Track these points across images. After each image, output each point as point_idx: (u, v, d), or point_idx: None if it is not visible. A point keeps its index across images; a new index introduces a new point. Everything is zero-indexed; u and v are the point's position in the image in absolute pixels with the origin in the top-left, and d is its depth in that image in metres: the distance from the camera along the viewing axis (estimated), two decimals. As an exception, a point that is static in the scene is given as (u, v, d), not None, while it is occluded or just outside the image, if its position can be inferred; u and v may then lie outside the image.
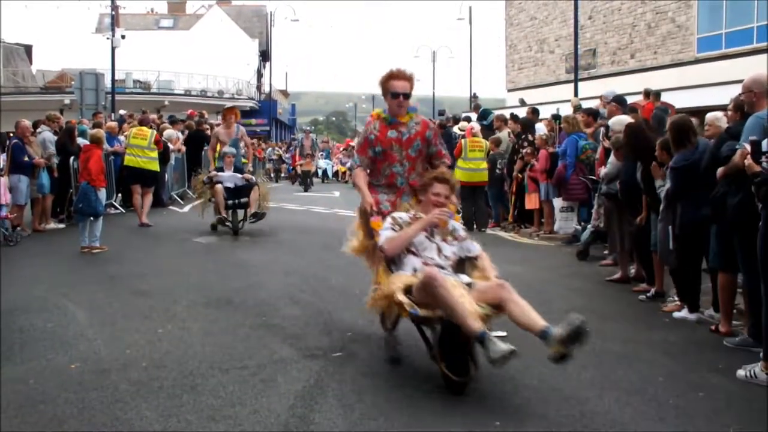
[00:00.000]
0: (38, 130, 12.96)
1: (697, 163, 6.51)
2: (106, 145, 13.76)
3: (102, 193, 10.72)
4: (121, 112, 20.30)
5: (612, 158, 8.83)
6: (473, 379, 4.72)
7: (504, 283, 4.89)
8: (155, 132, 14.50)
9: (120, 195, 15.76)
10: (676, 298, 7.22)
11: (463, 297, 4.60)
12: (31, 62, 51.56)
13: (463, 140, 13.66)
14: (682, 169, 6.65)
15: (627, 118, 8.91)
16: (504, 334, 6.13)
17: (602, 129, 10.39)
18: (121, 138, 15.09)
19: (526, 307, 4.69)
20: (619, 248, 8.69)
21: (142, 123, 15.11)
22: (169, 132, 17.30)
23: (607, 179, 8.93)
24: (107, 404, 4.50)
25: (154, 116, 20.62)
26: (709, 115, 7.61)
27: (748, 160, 4.93)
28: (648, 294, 7.63)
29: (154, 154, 13.94)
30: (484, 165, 13.42)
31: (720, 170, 5.74)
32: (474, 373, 4.72)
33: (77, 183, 11.28)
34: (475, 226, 13.38)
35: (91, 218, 10.42)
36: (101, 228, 10.62)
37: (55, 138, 13.09)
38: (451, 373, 4.62)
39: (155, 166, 14.01)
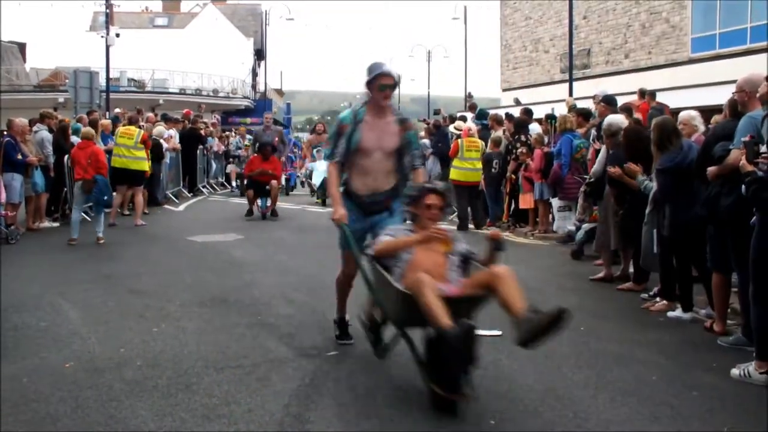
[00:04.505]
0: (34, 129, 12.92)
1: (684, 164, 6.53)
2: (100, 143, 13.78)
3: None
4: (117, 110, 20.23)
5: (601, 156, 8.85)
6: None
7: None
8: (143, 131, 14.27)
9: (115, 193, 15.71)
10: (658, 298, 7.27)
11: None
12: (24, 60, 51.35)
13: (459, 140, 13.68)
14: (669, 170, 6.66)
15: (621, 117, 8.94)
16: (499, 333, 6.15)
17: (593, 131, 10.41)
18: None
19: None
20: (610, 245, 8.67)
21: (131, 122, 14.95)
22: (159, 129, 17.20)
23: (595, 177, 8.97)
24: (101, 403, 4.50)
25: (150, 114, 20.55)
26: (683, 114, 7.66)
27: (743, 160, 4.95)
28: (650, 293, 7.64)
29: (141, 154, 13.76)
30: (480, 165, 13.46)
31: (712, 170, 5.75)
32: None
33: (84, 180, 11.19)
34: (471, 226, 13.44)
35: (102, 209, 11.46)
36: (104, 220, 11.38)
37: (51, 137, 13.04)
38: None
39: (142, 166, 13.80)
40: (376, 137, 5.27)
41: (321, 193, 17.98)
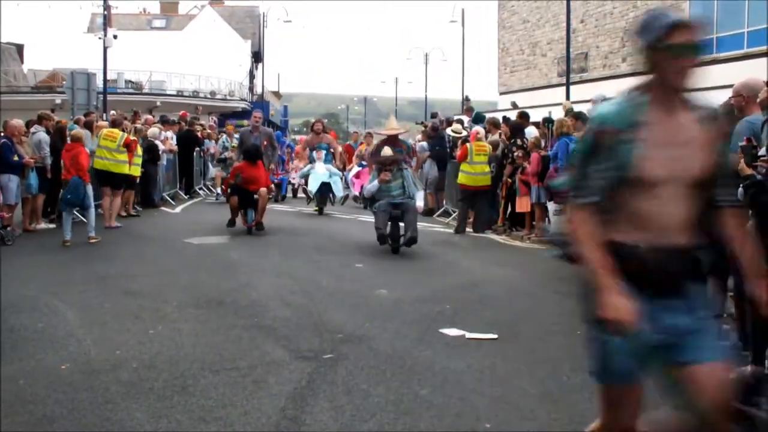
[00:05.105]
0: (32, 130, 12.90)
1: None
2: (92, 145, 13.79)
3: (89, 188, 11.42)
4: (112, 113, 20.21)
5: None
6: None
7: None
8: (126, 135, 14.16)
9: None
10: None
11: None
12: (22, 61, 51.37)
13: (468, 144, 13.66)
14: None
15: None
16: (495, 336, 6.16)
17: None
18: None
19: None
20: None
21: (114, 124, 14.86)
22: (153, 130, 17.19)
23: None
24: (97, 405, 4.49)
25: (149, 117, 20.54)
26: None
27: (741, 163, 4.97)
28: None
29: (123, 157, 13.67)
30: (488, 169, 13.44)
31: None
32: None
33: (63, 179, 11.67)
34: (470, 229, 13.46)
35: (83, 210, 11.53)
36: (94, 220, 11.48)
37: (49, 139, 13.02)
38: None
39: (123, 169, 13.69)
40: (672, 153, 2.66)
41: (319, 201, 16.27)
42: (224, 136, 21.41)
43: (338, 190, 16.55)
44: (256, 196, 12.31)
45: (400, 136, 11.88)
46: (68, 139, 13.47)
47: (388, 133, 11.73)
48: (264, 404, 4.52)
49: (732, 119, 5.99)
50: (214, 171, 20.99)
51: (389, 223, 10.74)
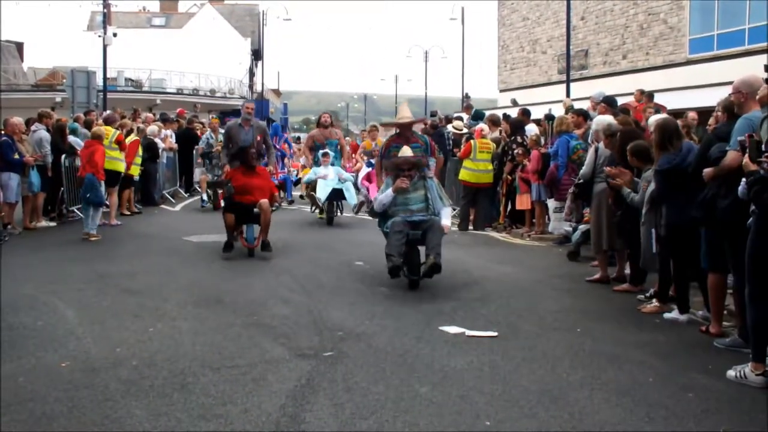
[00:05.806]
0: (32, 128, 12.89)
1: (683, 166, 6.54)
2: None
3: (102, 186, 11.78)
4: (108, 112, 20.14)
5: (589, 158, 8.83)
6: None
7: None
8: (118, 132, 14.17)
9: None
10: (654, 300, 7.26)
11: None
12: (22, 59, 51.38)
13: (472, 141, 13.63)
14: (668, 171, 6.67)
15: (609, 118, 8.95)
16: (495, 334, 6.16)
17: (591, 131, 10.44)
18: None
19: None
20: (604, 247, 8.63)
21: (107, 122, 14.79)
22: (151, 128, 17.19)
23: (583, 179, 8.95)
24: (97, 403, 4.49)
25: (149, 115, 20.53)
26: (652, 119, 7.70)
27: (746, 158, 4.95)
28: (646, 294, 7.64)
29: (116, 154, 13.68)
30: (491, 166, 13.43)
31: (708, 171, 5.76)
32: None
33: (78, 176, 11.95)
34: (471, 226, 13.45)
35: (99, 208, 11.71)
36: (99, 218, 11.81)
37: (50, 137, 13.01)
38: None
39: (116, 166, 13.61)
40: None
41: (328, 210, 14.05)
42: (208, 131, 18.09)
43: (351, 197, 13.88)
44: (255, 210, 10.03)
45: (414, 128, 9.38)
46: (69, 137, 13.58)
47: (399, 123, 9.14)
48: (264, 402, 4.52)
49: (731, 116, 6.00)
50: (198, 173, 18.29)
51: (405, 247, 7.99)
